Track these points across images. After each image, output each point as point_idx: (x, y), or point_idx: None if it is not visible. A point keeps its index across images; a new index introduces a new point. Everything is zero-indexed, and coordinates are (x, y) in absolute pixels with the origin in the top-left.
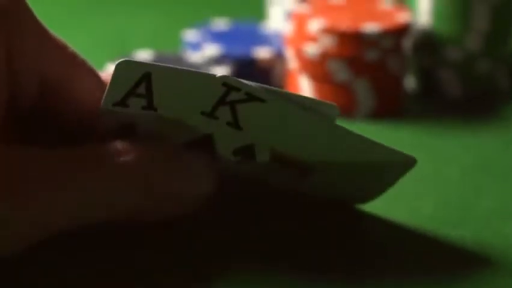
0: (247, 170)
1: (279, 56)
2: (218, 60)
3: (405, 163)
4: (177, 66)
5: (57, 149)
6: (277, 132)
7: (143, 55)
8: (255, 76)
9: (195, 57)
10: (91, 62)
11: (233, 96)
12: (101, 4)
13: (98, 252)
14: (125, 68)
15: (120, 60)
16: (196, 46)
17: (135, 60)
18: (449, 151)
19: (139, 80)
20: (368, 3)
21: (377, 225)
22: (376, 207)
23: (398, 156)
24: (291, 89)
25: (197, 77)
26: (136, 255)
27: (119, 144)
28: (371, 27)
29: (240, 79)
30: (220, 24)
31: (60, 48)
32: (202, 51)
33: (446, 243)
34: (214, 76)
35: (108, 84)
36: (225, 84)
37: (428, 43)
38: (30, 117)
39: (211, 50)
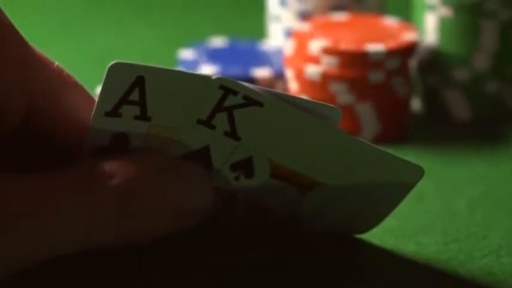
0: (244, 188)
1: (279, 76)
2: None
3: (413, 174)
4: (172, 68)
5: (44, 171)
6: (277, 140)
7: None
8: None
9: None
10: (81, 82)
11: (230, 100)
12: (92, 21)
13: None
14: (117, 71)
15: (112, 62)
16: (192, 66)
17: (127, 62)
18: (457, 180)
19: (132, 84)
20: (371, 20)
21: (383, 262)
22: (382, 242)
23: (406, 165)
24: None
25: (192, 79)
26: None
27: (107, 165)
28: (375, 47)
29: (237, 81)
30: (218, 42)
31: (45, 65)
32: (199, 72)
33: (454, 280)
34: (210, 77)
35: (99, 91)
36: (222, 87)
37: (435, 63)
38: (17, 138)
39: (207, 70)
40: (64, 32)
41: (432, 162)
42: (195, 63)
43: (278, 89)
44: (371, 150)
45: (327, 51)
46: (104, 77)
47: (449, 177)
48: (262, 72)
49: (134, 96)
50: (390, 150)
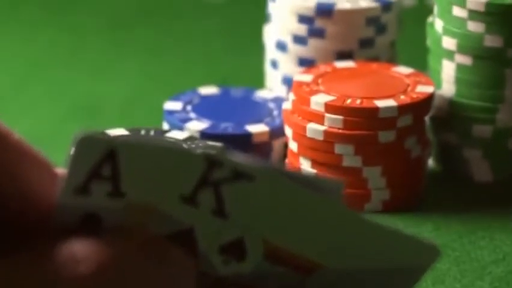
0: (235, 273)
1: (278, 134)
2: (205, 137)
3: (428, 255)
4: (149, 141)
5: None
6: (271, 218)
7: (115, 133)
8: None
9: (177, 133)
10: (56, 133)
11: (216, 174)
12: (71, 64)
13: None
14: (86, 145)
15: (80, 136)
16: (179, 120)
17: (98, 135)
18: (479, 257)
19: (103, 159)
20: (381, 70)
21: None
22: None
23: (419, 245)
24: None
25: (173, 155)
26: None
27: (76, 248)
28: (385, 103)
29: (224, 150)
30: (209, 91)
31: (2, 137)
32: (186, 126)
33: None
34: (192, 152)
35: (67, 167)
36: (206, 159)
37: (452, 117)
38: None
39: (197, 124)
40: (41, 76)
41: (450, 236)
42: (182, 118)
43: (275, 148)
44: (378, 230)
45: (331, 107)
46: (72, 151)
47: (469, 254)
48: (258, 129)
49: (106, 171)
50: (402, 220)
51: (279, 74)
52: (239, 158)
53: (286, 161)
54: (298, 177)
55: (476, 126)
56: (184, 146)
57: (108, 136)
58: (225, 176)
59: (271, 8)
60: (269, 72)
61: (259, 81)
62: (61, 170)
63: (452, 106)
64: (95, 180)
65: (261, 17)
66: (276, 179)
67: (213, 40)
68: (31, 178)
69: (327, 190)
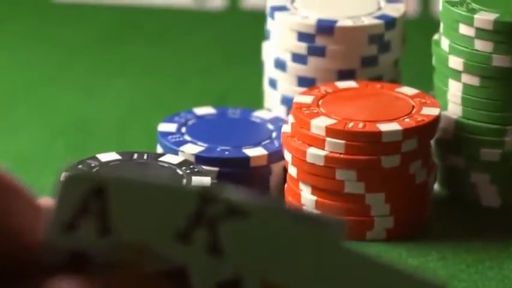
0: None
1: (276, 158)
2: (200, 161)
3: None
4: (140, 176)
5: None
6: (269, 256)
7: (107, 157)
8: (245, 181)
9: (171, 157)
10: (45, 154)
11: (211, 210)
12: (59, 83)
13: None
14: (73, 184)
15: (66, 173)
16: (173, 141)
17: (85, 172)
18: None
19: (91, 196)
20: (384, 90)
21: None
22: None
23: (424, 284)
24: (289, 199)
25: (164, 191)
26: None
27: (63, 286)
28: (389, 126)
29: (219, 184)
30: (205, 112)
31: None
32: (181, 149)
33: None
34: (185, 188)
35: (54, 203)
36: (200, 195)
37: (458, 139)
38: None
39: (192, 147)
40: (29, 95)
41: (456, 266)
42: (176, 141)
43: (274, 173)
44: (380, 269)
45: (332, 131)
46: (58, 188)
47: (476, 285)
48: (256, 153)
49: (95, 208)
50: (406, 249)
51: (278, 93)
52: (235, 192)
53: (286, 186)
54: (297, 215)
55: (483, 149)
56: (179, 171)
57: (95, 172)
58: (220, 212)
59: (270, 24)
60: (267, 91)
61: (258, 99)
62: (46, 201)
63: (458, 128)
64: (83, 217)
65: (261, 29)
66: (273, 216)
67: (209, 54)
68: (15, 213)
69: (328, 228)
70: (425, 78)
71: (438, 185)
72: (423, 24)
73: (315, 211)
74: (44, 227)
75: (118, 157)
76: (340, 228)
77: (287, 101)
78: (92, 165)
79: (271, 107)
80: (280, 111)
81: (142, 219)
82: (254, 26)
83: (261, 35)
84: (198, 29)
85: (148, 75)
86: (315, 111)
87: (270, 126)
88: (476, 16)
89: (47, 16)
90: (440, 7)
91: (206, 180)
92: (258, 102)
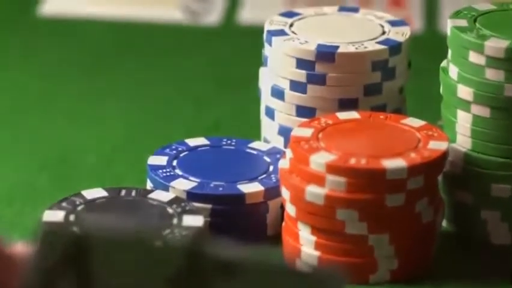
0: None
1: (274, 192)
2: (192, 198)
3: None
4: (121, 229)
5: None
6: None
7: (93, 194)
8: (240, 219)
9: (161, 194)
10: (26, 189)
11: (198, 268)
12: (42, 112)
13: None
14: (51, 239)
15: (42, 229)
16: (163, 176)
17: (62, 227)
18: None
19: (69, 253)
20: (388, 122)
21: None
22: None
23: None
24: (285, 243)
25: (148, 249)
26: None
27: None
28: (393, 163)
29: (208, 237)
30: (197, 143)
31: None
32: (172, 184)
33: None
34: (172, 247)
35: (29, 263)
36: (186, 252)
37: (467, 174)
38: None
39: (183, 183)
40: (10, 124)
41: None
42: (167, 176)
43: (272, 211)
44: None
45: (332, 168)
46: (35, 245)
47: None
48: (251, 189)
49: (73, 267)
50: None
51: (275, 123)
52: (224, 247)
53: (284, 224)
54: (292, 271)
55: (494, 184)
56: (169, 210)
57: (74, 229)
58: (208, 269)
59: (268, 51)
60: (264, 120)
61: (254, 127)
62: (21, 250)
63: (467, 162)
64: (62, 277)
65: (257, 48)
66: (264, 272)
67: (203, 79)
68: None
69: (327, 283)
70: (432, 103)
71: (446, 221)
72: (429, 43)
73: (312, 265)
74: (19, 281)
75: (105, 193)
76: (339, 284)
77: (285, 132)
78: (77, 203)
79: (269, 137)
80: (277, 141)
81: (123, 278)
82: (250, 44)
83: (258, 55)
84: (191, 49)
85: (137, 101)
86: (314, 145)
87: (267, 159)
88: (486, 43)
89: (30, 42)
90: (448, 32)
91: (198, 220)
92: (254, 131)
